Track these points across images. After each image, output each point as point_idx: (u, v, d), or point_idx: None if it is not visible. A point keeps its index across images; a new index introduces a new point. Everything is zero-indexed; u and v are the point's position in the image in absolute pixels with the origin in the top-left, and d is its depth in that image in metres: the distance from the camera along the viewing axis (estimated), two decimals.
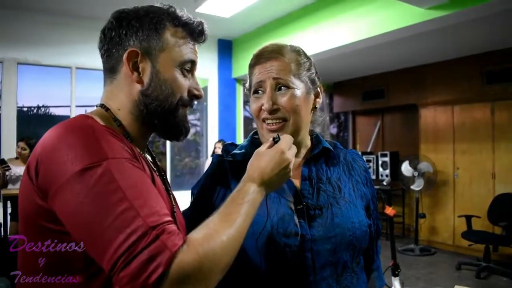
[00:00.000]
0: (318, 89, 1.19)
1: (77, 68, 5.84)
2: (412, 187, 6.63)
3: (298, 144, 1.14)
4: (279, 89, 1.10)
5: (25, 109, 6.05)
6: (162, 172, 1.13)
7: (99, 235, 0.74)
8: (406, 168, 6.63)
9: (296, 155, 1.14)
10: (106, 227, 0.73)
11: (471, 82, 6.23)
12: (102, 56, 1.02)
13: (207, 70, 6.85)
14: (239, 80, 7.16)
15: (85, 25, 5.68)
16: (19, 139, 5.11)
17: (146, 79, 0.96)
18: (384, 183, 6.77)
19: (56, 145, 0.81)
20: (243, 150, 1.19)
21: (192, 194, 1.22)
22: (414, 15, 4.06)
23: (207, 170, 1.23)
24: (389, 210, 3.45)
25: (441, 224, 6.71)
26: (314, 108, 1.19)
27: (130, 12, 0.98)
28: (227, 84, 7.09)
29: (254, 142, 1.21)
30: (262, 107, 1.09)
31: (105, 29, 0.99)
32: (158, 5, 1.01)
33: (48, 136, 0.85)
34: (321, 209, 1.09)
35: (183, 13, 1.02)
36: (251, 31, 6.54)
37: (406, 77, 7.25)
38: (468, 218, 5.62)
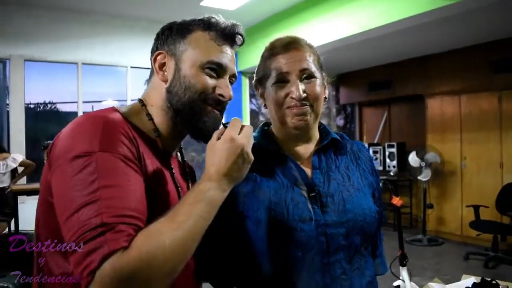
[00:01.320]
0: (326, 84, 1.25)
1: (83, 63, 5.86)
2: (419, 177, 6.61)
3: (310, 136, 1.23)
4: (305, 78, 1.15)
5: (32, 105, 6.10)
6: (188, 176, 1.17)
7: (67, 217, 0.78)
8: (413, 159, 6.61)
9: (308, 145, 1.23)
10: (72, 212, 0.77)
11: (478, 71, 6.18)
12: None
13: None
14: (244, 73, 7.15)
15: (91, 21, 5.71)
16: None
17: (170, 76, 1.04)
18: (391, 173, 6.77)
19: (71, 129, 0.89)
20: (255, 141, 1.18)
21: None
22: (421, 5, 4.03)
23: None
24: (396, 200, 3.44)
25: (448, 214, 6.70)
26: (324, 98, 1.24)
27: (170, 25, 1.08)
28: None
29: (264, 134, 1.25)
30: (291, 95, 1.13)
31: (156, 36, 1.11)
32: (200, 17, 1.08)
33: (73, 120, 0.92)
34: (332, 196, 1.13)
35: (216, 18, 1.07)
36: (255, 24, 6.53)
37: (413, 67, 7.20)
38: (476, 208, 5.60)
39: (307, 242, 1.08)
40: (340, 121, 9.62)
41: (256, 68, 1.26)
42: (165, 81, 1.04)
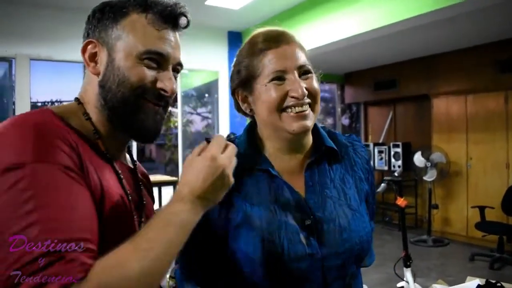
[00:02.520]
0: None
1: None
2: (424, 177, 6.59)
3: (304, 144, 1.10)
4: (303, 74, 1.03)
5: (39, 104, 6.13)
6: (139, 182, 1.03)
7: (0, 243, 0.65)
8: (418, 159, 6.58)
9: (300, 155, 1.09)
10: (6, 238, 0.64)
11: (484, 71, 6.14)
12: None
13: (217, 62, 6.85)
14: None
15: None
16: None
17: (102, 68, 0.89)
18: (396, 174, 6.74)
19: None
20: (241, 151, 1.03)
21: None
22: (426, 4, 4.01)
23: None
24: (400, 201, 3.44)
25: (454, 215, 6.67)
26: None
27: (103, 5, 0.92)
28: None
29: (251, 143, 1.11)
30: (292, 94, 0.99)
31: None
32: None
33: None
34: (328, 222, 1.02)
35: None
36: (261, 23, 6.47)
37: (419, 67, 7.17)
38: (482, 208, 5.57)
39: (301, 276, 0.98)
40: (346, 120, 9.62)
41: (232, 69, 1.13)
42: (97, 74, 0.89)
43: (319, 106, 1.07)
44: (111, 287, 0.65)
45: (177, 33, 0.95)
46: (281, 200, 1.02)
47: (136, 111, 0.89)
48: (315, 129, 1.13)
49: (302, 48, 1.07)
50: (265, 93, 1.02)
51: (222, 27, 6.74)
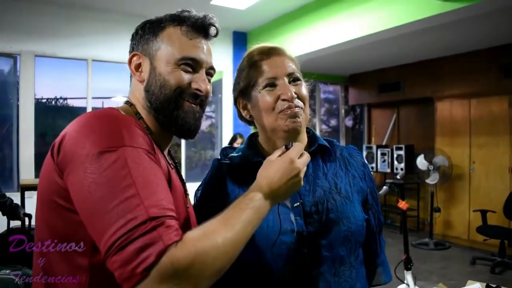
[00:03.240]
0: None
1: (93, 60, 5.89)
2: (427, 180, 6.58)
3: (300, 141, 1.17)
4: (293, 81, 1.16)
5: (43, 100, 6.14)
6: (180, 173, 1.16)
7: (101, 216, 0.75)
8: (421, 162, 6.58)
9: None
10: (109, 209, 0.75)
11: (488, 75, 6.14)
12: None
13: (222, 62, 6.85)
14: None
15: (101, 18, 5.73)
16: None
17: (146, 75, 1.04)
18: (398, 176, 6.74)
19: (81, 127, 0.86)
20: (240, 153, 1.23)
21: (195, 197, 1.25)
22: (431, 7, 4.00)
23: (206, 175, 1.26)
24: (402, 204, 3.44)
25: (456, 218, 6.66)
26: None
27: (144, 23, 1.08)
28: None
29: (251, 144, 1.24)
30: (283, 97, 1.12)
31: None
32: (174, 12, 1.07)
33: (76, 120, 0.89)
34: (316, 205, 1.11)
35: (188, 12, 1.06)
36: (266, 23, 6.52)
37: (423, 70, 7.17)
38: (484, 212, 5.56)
39: (287, 254, 1.06)
40: (349, 122, 9.60)
41: (234, 81, 1.27)
42: (142, 81, 1.04)
43: (309, 110, 1.19)
44: (204, 250, 0.74)
45: (208, 42, 1.09)
46: None
47: (176, 109, 1.02)
48: (311, 132, 1.26)
49: (292, 60, 1.20)
50: (260, 99, 1.15)
51: (227, 27, 6.74)
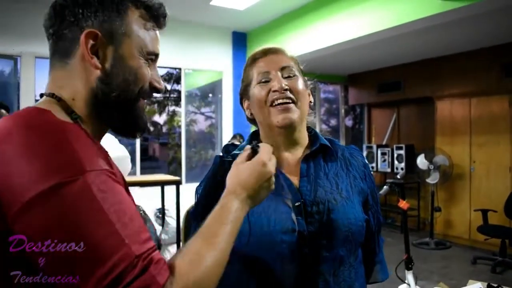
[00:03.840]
0: (309, 89, 1.26)
1: None
2: (427, 180, 6.57)
3: (297, 139, 1.21)
4: (287, 77, 1.17)
5: None
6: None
7: (78, 263, 0.64)
8: (421, 161, 6.57)
9: (295, 152, 1.21)
10: (87, 255, 0.64)
11: (489, 74, 6.13)
12: (50, 36, 0.89)
13: (221, 63, 6.86)
14: None
15: None
16: None
17: (107, 64, 0.84)
18: (398, 176, 6.73)
19: (16, 150, 0.68)
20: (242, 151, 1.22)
21: (196, 193, 1.25)
22: (432, 6, 4.00)
23: (208, 171, 1.26)
24: (403, 204, 3.43)
25: (456, 218, 6.65)
26: (310, 102, 1.24)
27: None
28: (241, 76, 7.08)
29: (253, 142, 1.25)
30: (273, 88, 1.14)
31: (55, 5, 0.86)
32: None
33: (8, 137, 0.70)
34: (318, 205, 1.11)
35: None
36: (265, 24, 6.52)
37: (423, 69, 7.15)
38: (484, 212, 5.55)
39: (288, 254, 1.07)
40: (349, 122, 9.61)
41: (241, 85, 1.28)
42: (100, 70, 0.83)
43: (306, 107, 1.21)
44: (196, 282, 0.71)
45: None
46: (275, 186, 1.09)
47: (136, 108, 0.89)
48: (313, 132, 1.27)
49: (290, 58, 1.23)
50: (254, 93, 1.18)
51: (226, 28, 6.74)
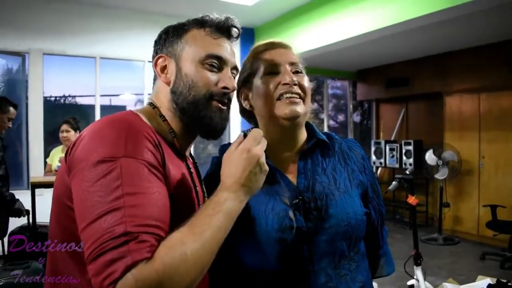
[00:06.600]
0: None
1: (101, 58, 5.92)
2: (436, 176, 6.54)
3: (297, 136, 1.20)
4: (295, 72, 1.16)
5: (52, 98, 6.18)
6: (199, 174, 1.18)
7: (88, 223, 0.76)
8: (430, 157, 6.54)
9: (292, 149, 1.20)
10: (95, 218, 0.76)
11: (498, 69, 6.07)
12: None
13: None
14: None
15: (109, 15, 5.75)
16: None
17: (172, 77, 1.05)
18: (407, 172, 6.71)
19: (93, 132, 0.88)
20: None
21: None
22: (440, 1, 3.98)
23: (207, 172, 1.26)
24: (412, 199, 3.43)
25: (465, 213, 6.63)
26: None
27: (167, 28, 1.11)
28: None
29: None
30: (283, 81, 1.13)
31: (156, 40, 1.12)
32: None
33: (94, 123, 0.92)
34: (316, 201, 1.11)
35: (210, 16, 1.08)
36: (273, 19, 6.51)
37: (431, 64, 7.11)
38: (493, 207, 5.52)
39: (288, 251, 1.07)
40: (357, 117, 9.58)
41: (239, 76, 1.24)
42: (168, 83, 1.06)
43: (310, 105, 1.19)
44: (172, 266, 0.73)
45: (231, 42, 1.11)
46: (272, 183, 1.12)
47: (204, 109, 1.03)
48: (310, 127, 1.25)
49: (297, 55, 1.21)
50: (261, 85, 1.15)
51: None
